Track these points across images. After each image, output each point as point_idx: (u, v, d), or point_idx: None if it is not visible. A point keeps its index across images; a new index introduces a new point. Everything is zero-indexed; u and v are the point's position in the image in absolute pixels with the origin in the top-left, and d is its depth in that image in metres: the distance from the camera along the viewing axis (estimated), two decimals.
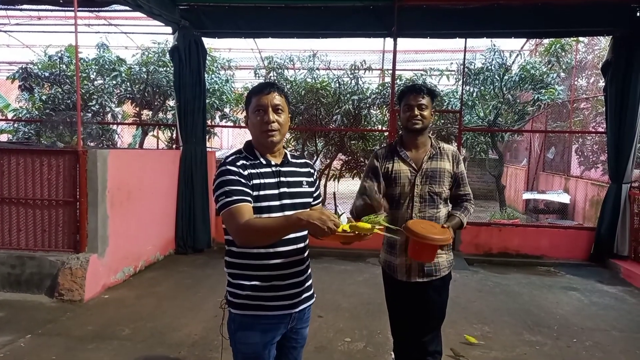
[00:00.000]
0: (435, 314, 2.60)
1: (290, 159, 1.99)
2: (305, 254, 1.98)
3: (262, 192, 1.84)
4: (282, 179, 1.91)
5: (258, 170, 1.86)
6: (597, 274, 5.97)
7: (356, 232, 1.73)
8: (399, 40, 6.62)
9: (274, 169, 1.90)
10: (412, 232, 2.26)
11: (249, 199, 1.79)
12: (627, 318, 4.54)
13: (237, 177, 1.80)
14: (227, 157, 1.89)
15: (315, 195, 2.05)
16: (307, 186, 1.99)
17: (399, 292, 2.59)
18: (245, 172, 1.83)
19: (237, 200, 1.76)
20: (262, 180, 1.85)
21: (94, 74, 9.07)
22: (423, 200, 2.47)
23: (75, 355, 3.50)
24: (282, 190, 1.89)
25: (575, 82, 10.56)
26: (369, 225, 1.77)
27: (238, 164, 1.84)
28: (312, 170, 2.06)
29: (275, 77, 8.79)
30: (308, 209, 1.94)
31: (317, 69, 8.97)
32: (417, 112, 2.45)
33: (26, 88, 8.97)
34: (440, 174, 2.48)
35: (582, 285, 5.51)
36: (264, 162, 1.89)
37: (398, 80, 8.50)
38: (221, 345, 2.05)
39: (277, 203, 1.87)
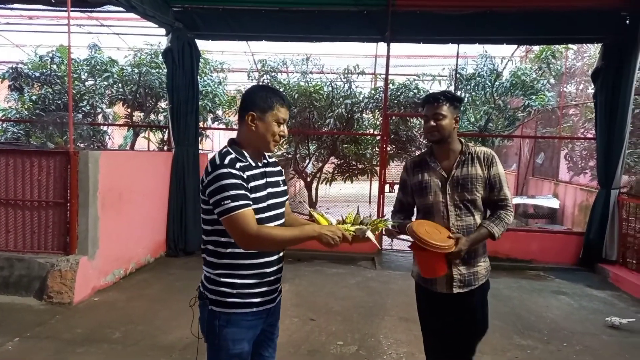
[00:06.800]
0: (480, 323, 2.46)
1: (268, 160, 2.04)
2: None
3: (257, 195, 1.87)
4: (268, 179, 1.95)
5: (251, 172, 1.88)
6: (586, 279, 6.03)
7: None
8: (392, 45, 6.67)
9: (261, 170, 1.94)
10: (412, 231, 2.17)
11: (251, 203, 1.82)
12: None
13: (239, 181, 1.80)
14: (222, 158, 1.84)
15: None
16: (282, 185, 2.06)
17: (439, 305, 2.42)
18: (245, 175, 1.84)
19: (243, 205, 1.77)
20: (255, 183, 1.88)
21: (85, 74, 9.01)
22: (458, 209, 2.34)
23: (65, 358, 3.46)
24: (268, 190, 1.94)
25: (565, 89, 10.70)
26: (352, 229, 1.93)
27: (237, 166, 1.83)
28: (281, 169, 2.14)
29: (268, 80, 8.80)
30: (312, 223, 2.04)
31: (311, 72, 9.00)
32: (432, 123, 2.34)
33: (16, 88, 8.87)
34: (472, 180, 2.34)
35: (571, 290, 5.57)
36: (253, 164, 1.91)
37: (391, 85, 8.55)
38: (197, 346, 2.07)
39: (264, 204, 1.90)
